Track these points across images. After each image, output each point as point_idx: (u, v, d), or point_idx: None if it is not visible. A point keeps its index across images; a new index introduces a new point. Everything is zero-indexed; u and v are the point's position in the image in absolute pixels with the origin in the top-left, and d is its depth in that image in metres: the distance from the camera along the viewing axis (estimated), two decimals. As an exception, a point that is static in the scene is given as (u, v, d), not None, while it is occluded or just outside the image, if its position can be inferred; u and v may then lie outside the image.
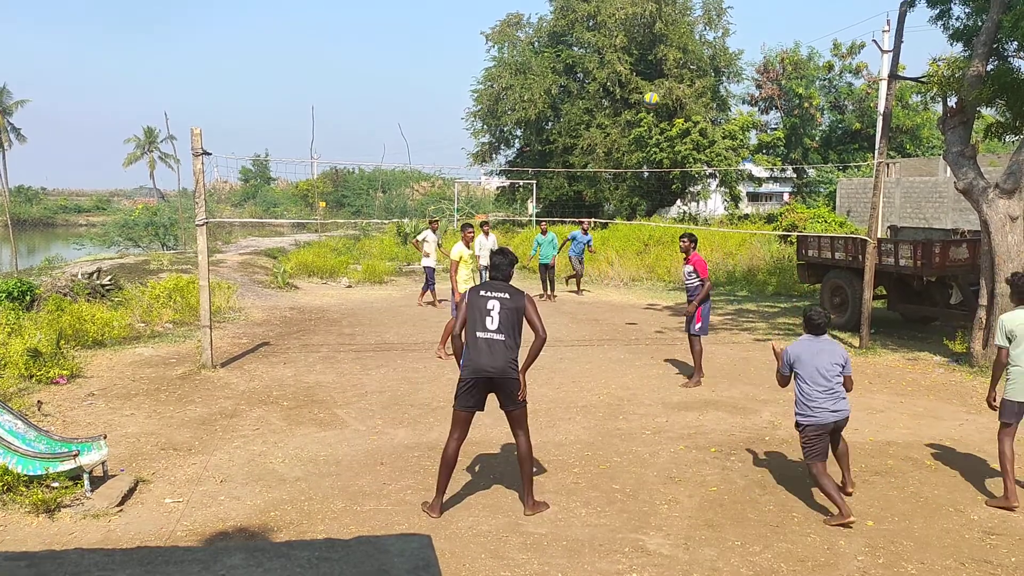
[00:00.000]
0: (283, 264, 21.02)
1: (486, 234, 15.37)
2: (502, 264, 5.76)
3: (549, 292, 17.24)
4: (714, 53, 34.68)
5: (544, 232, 17.37)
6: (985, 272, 10.35)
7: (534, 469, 5.79)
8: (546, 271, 17.20)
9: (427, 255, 16.06)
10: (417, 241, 16.64)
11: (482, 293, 5.61)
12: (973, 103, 10.57)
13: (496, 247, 16.24)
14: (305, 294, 17.77)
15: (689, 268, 9.53)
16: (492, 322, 5.50)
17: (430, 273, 15.96)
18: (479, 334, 5.52)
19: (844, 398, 5.82)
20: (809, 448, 5.78)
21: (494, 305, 5.53)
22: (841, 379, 5.81)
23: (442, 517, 5.60)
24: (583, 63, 34.17)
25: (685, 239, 9.61)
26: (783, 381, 6.13)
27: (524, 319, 5.63)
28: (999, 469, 6.03)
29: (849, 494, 5.97)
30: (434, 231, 16.21)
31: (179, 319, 13.13)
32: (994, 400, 6.13)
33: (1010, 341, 5.96)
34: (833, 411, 5.72)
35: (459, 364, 5.72)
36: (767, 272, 19.29)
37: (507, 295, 5.59)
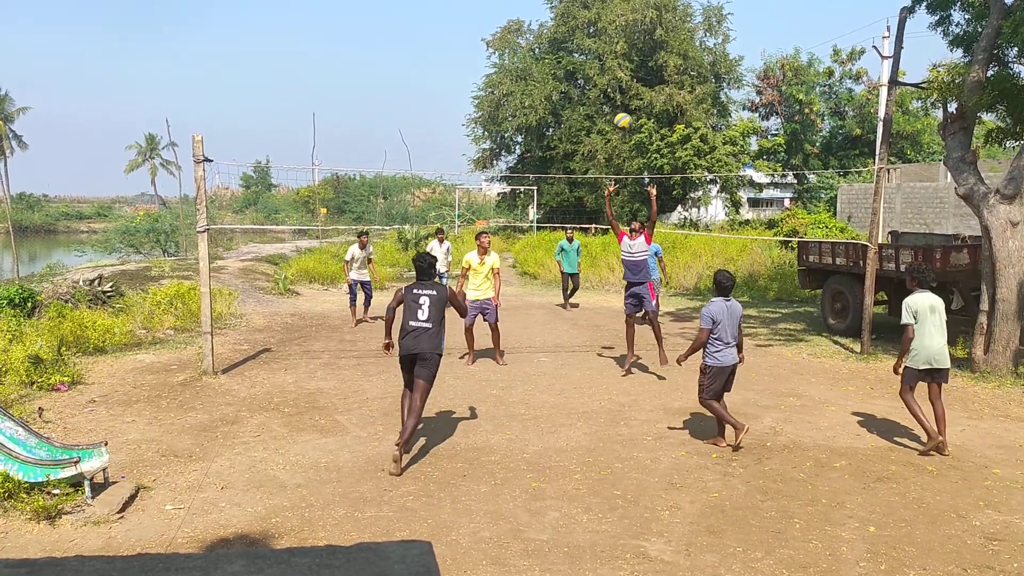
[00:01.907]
0: (284, 270, 21.05)
1: (440, 241, 15.70)
2: (424, 266, 7.19)
3: (566, 301, 16.72)
4: (714, 59, 34.78)
5: (570, 239, 16.63)
6: (986, 277, 10.35)
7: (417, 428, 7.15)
8: (567, 279, 16.67)
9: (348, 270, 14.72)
10: (346, 260, 14.78)
11: (415, 291, 7.07)
12: (973, 109, 10.58)
13: (448, 254, 16.43)
14: (306, 300, 17.78)
15: (639, 242, 10.21)
16: (423, 313, 6.97)
17: (352, 287, 14.60)
18: (412, 323, 6.97)
19: (736, 347, 7.30)
20: (709, 387, 7.24)
21: (424, 301, 7.00)
22: (737, 330, 7.29)
23: (443, 524, 5.60)
24: (584, 69, 34.26)
25: (638, 223, 10.43)
26: (707, 337, 7.21)
27: (448, 305, 7.16)
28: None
29: (738, 444, 7.18)
30: (362, 247, 14.51)
31: (180, 325, 13.14)
32: (900, 369, 7.26)
33: (915, 320, 7.08)
34: (733, 357, 7.24)
35: (387, 331, 7.27)
36: (768, 278, 19.29)
37: (434, 292, 7.06)
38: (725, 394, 7.46)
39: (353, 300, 14.62)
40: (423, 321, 6.92)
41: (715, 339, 7.19)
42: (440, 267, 15.81)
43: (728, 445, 7.27)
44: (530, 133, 35.48)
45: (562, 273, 16.81)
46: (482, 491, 6.23)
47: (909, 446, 7.41)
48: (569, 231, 17.15)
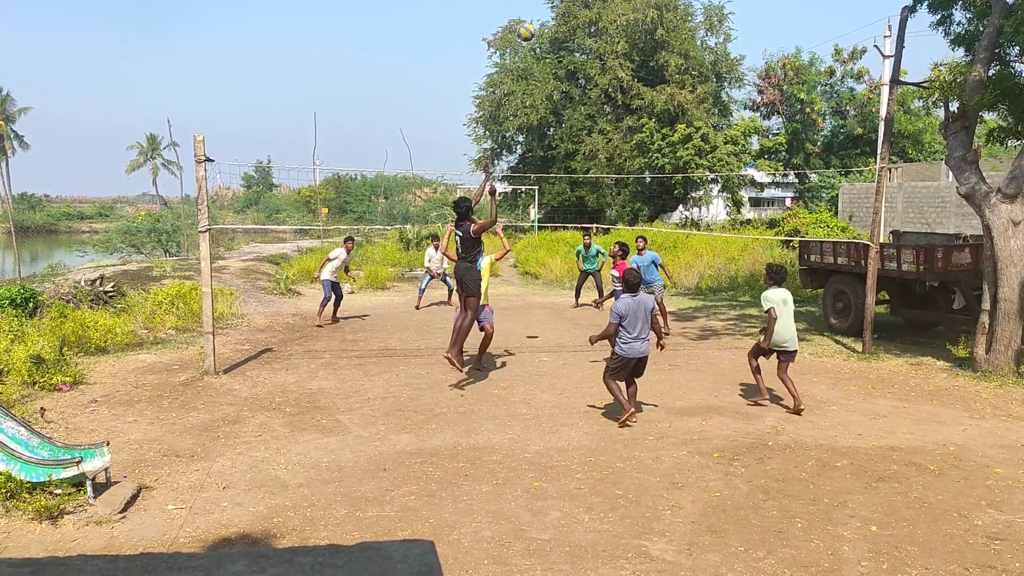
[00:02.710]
0: (286, 270, 21.05)
1: (436, 248, 16.08)
2: (459, 207, 9.48)
3: (576, 300, 16.80)
4: (716, 59, 34.74)
5: (587, 246, 16.30)
6: (988, 277, 10.34)
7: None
8: (583, 277, 16.52)
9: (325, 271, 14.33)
10: (329, 259, 14.43)
11: (459, 232, 9.43)
12: (975, 108, 10.57)
13: (443, 258, 16.64)
14: (308, 300, 17.78)
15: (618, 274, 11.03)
16: (462, 250, 9.41)
17: (327, 287, 14.18)
18: (458, 264, 9.50)
19: (647, 340, 7.97)
20: (614, 371, 8.01)
21: (459, 241, 9.25)
22: (649, 325, 7.99)
23: (445, 523, 5.61)
24: (585, 69, 34.23)
25: (617, 246, 11.29)
26: (615, 330, 7.89)
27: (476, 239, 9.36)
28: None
29: (635, 414, 8.05)
30: (347, 252, 14.46)
31: (182, 325, 13.15)
32: (766, 344, 8.47)
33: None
34: (640, 350, 7.91)
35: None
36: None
37: (460, 233, 9.35)
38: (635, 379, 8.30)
39: (326, 301, 14.22)
40: (467, 261, 9.40)
41: (624, 332, 7.87)
42: (438, 269, 16.50)
43: (626, 422, 7.92)
44: (531, 133, 35.45)
45: (580, 271, 16.74)
46: (484, 491, 6.23)
47: (910, 446, 7.41)
48: (586, 236, 16.93)
